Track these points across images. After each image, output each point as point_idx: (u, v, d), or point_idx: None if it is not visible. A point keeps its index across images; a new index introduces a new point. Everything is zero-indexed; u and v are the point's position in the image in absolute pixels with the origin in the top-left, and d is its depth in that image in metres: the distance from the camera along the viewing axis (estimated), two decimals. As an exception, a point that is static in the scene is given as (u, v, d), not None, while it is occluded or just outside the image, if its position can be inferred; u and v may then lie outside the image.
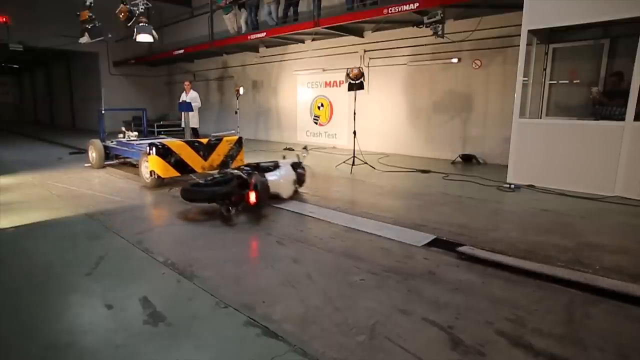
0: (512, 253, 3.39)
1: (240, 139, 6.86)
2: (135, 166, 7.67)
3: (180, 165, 5.99)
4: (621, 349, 2.12)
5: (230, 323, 2.39)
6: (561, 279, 2.86)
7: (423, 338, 2.22)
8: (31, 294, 2.83)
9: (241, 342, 2.21)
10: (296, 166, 5.54)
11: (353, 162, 7.64)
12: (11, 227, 4.22)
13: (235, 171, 4.93)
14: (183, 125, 8.57)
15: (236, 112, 7.98)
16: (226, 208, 4.39)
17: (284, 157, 5.85)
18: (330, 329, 2.31)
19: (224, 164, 6.49)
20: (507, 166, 6.32)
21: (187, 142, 6.17)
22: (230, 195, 4.40)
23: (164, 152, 5.82)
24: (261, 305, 2.57)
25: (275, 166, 5.44)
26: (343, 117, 10.77)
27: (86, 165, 8.15)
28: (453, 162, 8.27)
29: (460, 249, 3.46)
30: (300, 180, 5.52)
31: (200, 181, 4.74)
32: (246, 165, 5.50)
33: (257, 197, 4.32)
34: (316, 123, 11.67)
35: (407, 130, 9.57)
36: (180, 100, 8.82)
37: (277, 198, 5.10)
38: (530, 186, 5.92)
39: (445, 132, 8.87)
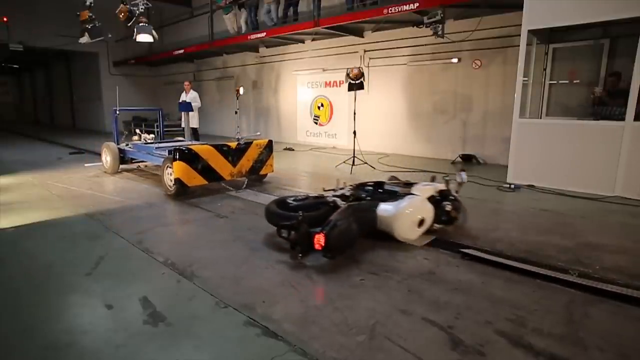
0: (512, 253, 3.39)
1: (270, 142, 6.27)
2: (140, 169, 7.69)
3: (208, 171, 5.47)
4: (621, 349, 2.12)
5: (230, 323, 2.39)
6: (561, 280, 2.86)
7: (423, 338, 2.22)
8: (31, 293, 2.83)
9: (241, 342, 2.21)
10: (442, 196, 3.83)
11: (353, 162, 7.65)
12: (11, 227, 4.22)
13: (339, 192, 3.94)
14: (183, 125, 8.55)
15: (236, 112, 7.96)
16: (290, 245, 3.35)
17: (432, 179, 4.18)
18: (330, 328, 2.31)
19: (253, 170, 6.06)
20: (507, 166, 6.33)
21: (215, 147, 5.62)
22: (291, 230, 3.30)
23: (191, 158, 5.29)
24: (261, 305, 2.57)
25: (406, 193, 3.82)
26: (343, 117, 10.78)
27: (87, 165, 8.15)
28: (453, 162, 8.27)
29: (463, 250, 3.45)
30: (446, 217, 3.74)
31: (290, 199, 3.90)
32: (372, 184, 4.25)
33: (326, 242, 3.03)
34: (316, 123, 11.67)
35: (407, 130, 9.57)
36: (180, 100, 8.82)
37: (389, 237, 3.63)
38: (530, 186, 5.92)
39: (445, 132, 8.88)
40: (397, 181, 4.33)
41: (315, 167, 8.28)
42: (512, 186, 5.88)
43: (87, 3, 7.69)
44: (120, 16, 7.65)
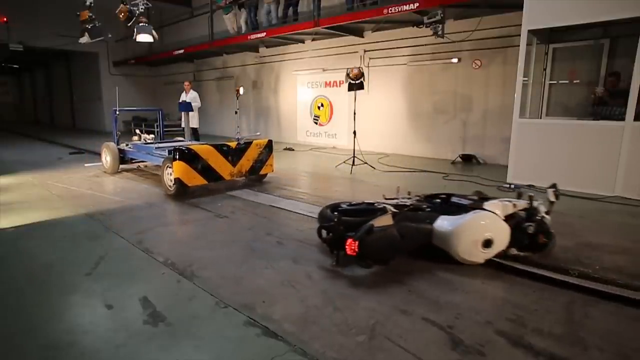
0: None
1: (270, 142, 6.28)
2: (140, 169, 7.69)
3: (207, 171, 5.48)
4: (621, 349, 2.12)
5: (230, 323, 2.39)
6: (561, 280, 2.86)
7: (423, 338, 2.22)
8: (32, 293, 2.83)
9: (241, 342, 2.21)
10: (527, 216, 3.26)
11: (353, 162, 7.65)
12: (11, 227, 4.22)
13: (398, 201, 3.65)
14: (183, 125, 8.55)
15: (236, 112, 7.96)
16: (329, 248, 3.29)
17: (518, 196, 3.55)
18: (330, 328, 2.31)
19: (253, 170, 6.07)
20: (507, 166, 6.33)
21: (214, 146, 5.62)
22: (329, 231, 3.24)
23: (190, 157, 5.30)
24: (261, 305, 2.57)
25: (475, 207, 3.29)
26: (343, 117, 10.78)
27: (87, 165, 8.16)
28: (453, 162, 8.27)
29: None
30: (529, 241, 3.16)
31: (344, 204, 3.73)
32: (443, 196, 3.76)
33: (357, 248, 2.81)
34: (316, 123, 11.67)
35: (407, 130, 9.58)
36: (180, 100, 8.82)
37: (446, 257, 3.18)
38: (530, 186, 5.92)
39: (445, 132, 8.88)
40: (475, 195, 3.71)
41: (316, 167, 8.28)
42: (512, 186, 5.87)
43: (87, 3, 7.69)
44: (120, 16, 7.64)
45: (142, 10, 7.64)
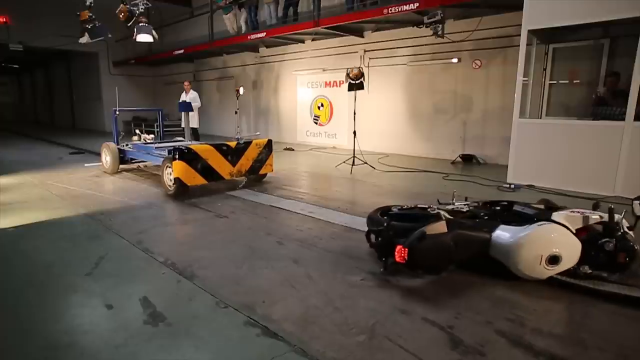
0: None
1: (269, 141, 6.28)
2: (140, 169, 7.69)
3: (207, 171, 5.49)
4: (621, 349, 2.12)
5: (230, 323, 2.39)
6: (561, 280, 2.86)
7: (423, 338, 2.22)
8: (32, 293, 2.83)
9: (241, 342, 2.21)
10: (606, 231, 2.88)
11: (353, 162, 7.65)
12: (11, 227, 4.22)
13: (454, 207, 3.44)
14: (183, 125, 8.55)
15: (236, 112, 7.96)
16: (378, 254, 3.22)
17: (595, 207, 3.10)
18: (330, 328, 2.31)
19: (253, 169, 6.08)
20: (507, 166, 6.34)
21: (214, 146, 5.62)
22: (378, 236, 3.16)
23: (190, 157, 5.30)
24: (261, 305, 2.57)
25: (542, 218, 2.93)
26: (343, 117, 10.78)
27: (86, 165, 8.15)
28: (453, 162, 8.27)
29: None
30: (605, 259, 2.79)
31: (395, 208, 3.57)
32: (505, 203, 3.47)
33: (407, 255, 2.68)
34: (316, 123, 11.67)
35: (407, 130, 9.58)
36: (180, 101, 8.82)
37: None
38: (530, 186, 5.93)
39: (445, 132, 8.88)
40: (541, 204, 3.38)
41: (316, 167, 8.28)
42: (512, 186, 5.88)
43: (87, 3, 7.68)
44: (120, 16, 7.63)
45: (142, 10, 7.63)
